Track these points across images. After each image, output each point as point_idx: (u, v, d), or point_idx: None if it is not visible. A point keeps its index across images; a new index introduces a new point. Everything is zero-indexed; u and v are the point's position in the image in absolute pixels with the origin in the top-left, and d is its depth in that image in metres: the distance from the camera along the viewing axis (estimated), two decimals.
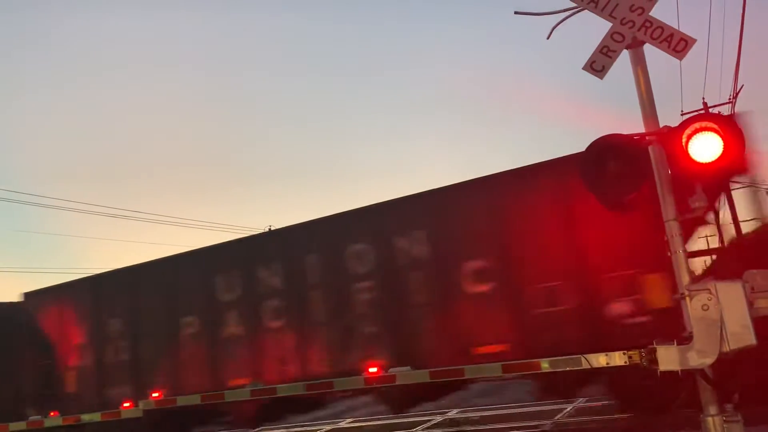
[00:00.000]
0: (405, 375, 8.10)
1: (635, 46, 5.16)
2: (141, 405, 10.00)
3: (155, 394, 10.01)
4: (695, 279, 4.86)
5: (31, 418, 10.96)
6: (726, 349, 4.57)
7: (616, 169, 4.78)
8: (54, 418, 10.74)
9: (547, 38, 5.56)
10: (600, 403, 11.11)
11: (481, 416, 12.48)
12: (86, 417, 10.42)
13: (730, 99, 23.25)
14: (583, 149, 4.96)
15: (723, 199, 8.83)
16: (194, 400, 9.56)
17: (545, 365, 6.97)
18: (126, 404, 10.26)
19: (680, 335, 4.84)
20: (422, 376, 7.98)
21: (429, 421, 12.79)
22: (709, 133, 4.63)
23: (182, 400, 9.68)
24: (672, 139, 4.73)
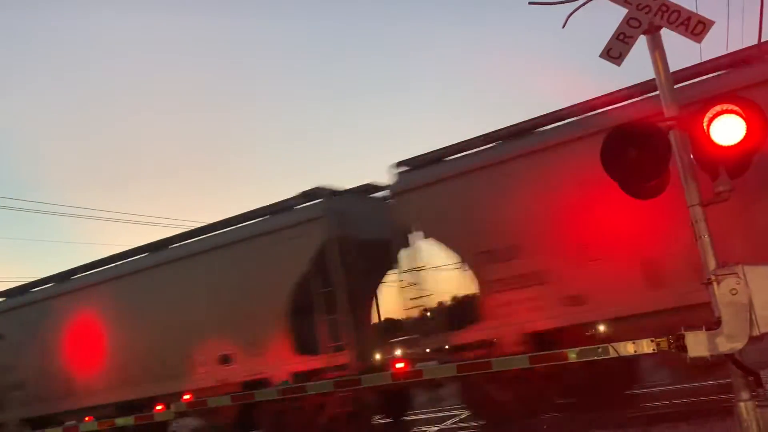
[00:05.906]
0: (432, 370, 8.13)
1: (652, 32, 5.08)
2: (173, 407, 10.16)
3: (186, 396, 10.16)
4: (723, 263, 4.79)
5: (66, 424, 11.18)
6: (756, 333, 4.51)
7: (636, 156, 4.73)
8: (89, 423, 10.94)
9: (563, 27, 5.52)
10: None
11: None
12: (120, 421, 10.60)
13: None
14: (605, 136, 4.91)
15: None
16: (225, 401, 9.68)
17: (573, 355, 6.95)
18: (158, 407, 10.43)
19: (709, 320, 4.79)
20: (449, 370, 8.00)
21: (458, 415, 12.81)
22: (732, 115, 4.55)
23: (212, 402, 9.81)
24: (693, 123, 4.66)
